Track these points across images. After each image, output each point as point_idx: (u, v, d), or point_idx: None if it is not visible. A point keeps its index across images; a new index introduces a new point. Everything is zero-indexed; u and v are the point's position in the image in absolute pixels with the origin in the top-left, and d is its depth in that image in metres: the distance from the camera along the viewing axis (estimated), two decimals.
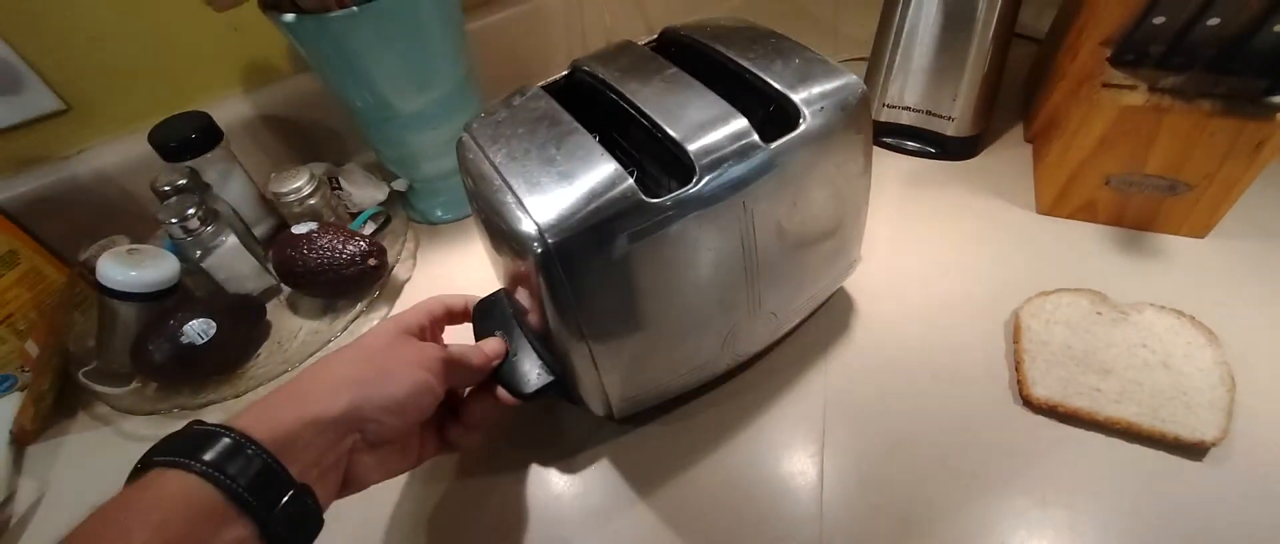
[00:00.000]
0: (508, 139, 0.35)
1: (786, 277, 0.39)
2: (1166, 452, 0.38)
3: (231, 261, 0.53)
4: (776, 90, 0.35)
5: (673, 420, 0.43)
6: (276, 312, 0.56)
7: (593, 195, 0.31)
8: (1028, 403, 0.40)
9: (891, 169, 0.59)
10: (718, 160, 0.32)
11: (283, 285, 0.56)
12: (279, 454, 0.27)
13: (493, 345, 0.39)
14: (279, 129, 0.65)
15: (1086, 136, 0.47)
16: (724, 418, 0.43)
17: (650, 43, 0.43)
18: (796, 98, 0.35)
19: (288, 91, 0.65)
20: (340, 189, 0.60)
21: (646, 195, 0.31)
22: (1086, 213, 0.51)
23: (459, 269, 0.58)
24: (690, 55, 0.40)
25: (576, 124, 0.35)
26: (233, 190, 0.58)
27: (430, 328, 0.39)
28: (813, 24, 0.84)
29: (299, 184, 0.55)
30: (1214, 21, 0.39)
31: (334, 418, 0.29)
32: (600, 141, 0.34)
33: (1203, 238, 0.49)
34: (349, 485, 0.31)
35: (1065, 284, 0.46)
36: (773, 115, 0.35)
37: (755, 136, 0.33)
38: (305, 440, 0.28)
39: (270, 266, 0.54)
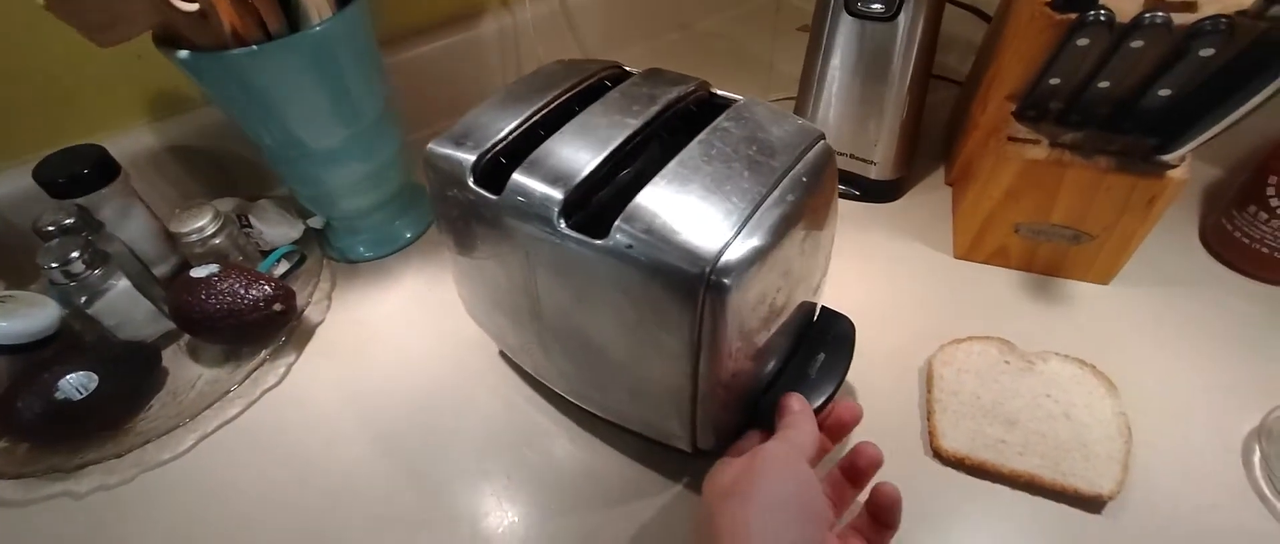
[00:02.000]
0: None
1: (583, 360, 0.38)
2: (1068, 505, 0.38)
3: (122, 307, 0.50)
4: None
5: None
6: (175, 358, 0.53)
7: None
8: (938, 455, 0.41)
9: None
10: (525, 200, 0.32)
11: (191, 335, 0.53)
12: None
13: (785, 401, 0.36)
14: (189, 161, 0.62)
15: (995, 186, 0.48)
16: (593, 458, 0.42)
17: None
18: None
19: (198, 122, 0.62)
20: (250, 227, 0.57)
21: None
22: (999, 258, 0.52)
23: (379, 310, 0.55)
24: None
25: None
26: (131, 228, 0.54)
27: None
28: (749, 61, 0.85)
29: (201, 223, 0.52)
30: (1104, 84, 0.41)
31: None
32: None
33: (1107, 284, 0.50)
34: None
35: (977, 330, 0.46)
36: None
37: (559, 223, 0.31)
38: None
39: (163, 308, 0.51)
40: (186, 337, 0.54)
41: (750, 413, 0.38)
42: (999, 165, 0.47)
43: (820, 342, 0.40)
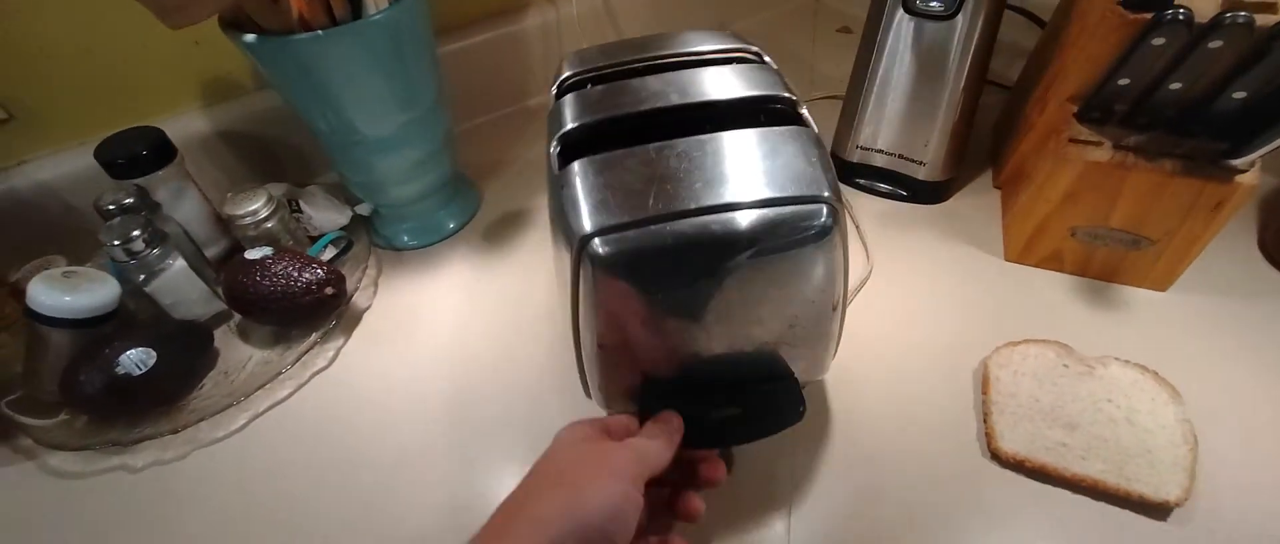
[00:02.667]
0: None
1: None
2: (1131, 511, 0.37)
3: (178, 286, 0.51)
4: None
5: None
6: (225, 339, 0.53)
7: None
8: (996, 457, 0.40)
9: (863, 210, 0.59)
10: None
11: (244, 317, 0.53)
12: None
13: (667, 416, 0.36)
14: (239, 146, 0.63)
15: (1053, 189, 0.47)
16: None
17: None
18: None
19: (250, 108, 0.62)
20: (300, 212, 0.58)
21: None
22: (1053, 262, 0.52)
23: (425, 299, 0.56)
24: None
25: None
26: (185, 210, 0.55)
27: (621, 434, 0.35)
28: (790, 60, 0.85)
29: (255, 207, 0.53)
30: (1176, 86, 0.40)
31: None
32: None
33: (1164, 292, 0.50)
34: None
35: (1032, 334, 0.46)
36: None
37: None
38: None
39: (220, 292, 0.52)
40: (236, 318, 0.54)
41: (638, 398, 0.38)
42: (1058, 168, 0.46)
43: (756, 404, 0.38)
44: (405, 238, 0.61)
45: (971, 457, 0.41)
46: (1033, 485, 0.39)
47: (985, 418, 0.42)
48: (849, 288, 0.48)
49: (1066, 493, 0.38)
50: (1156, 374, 0.42)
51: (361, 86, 0.48)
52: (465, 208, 0.63)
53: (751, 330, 0.35)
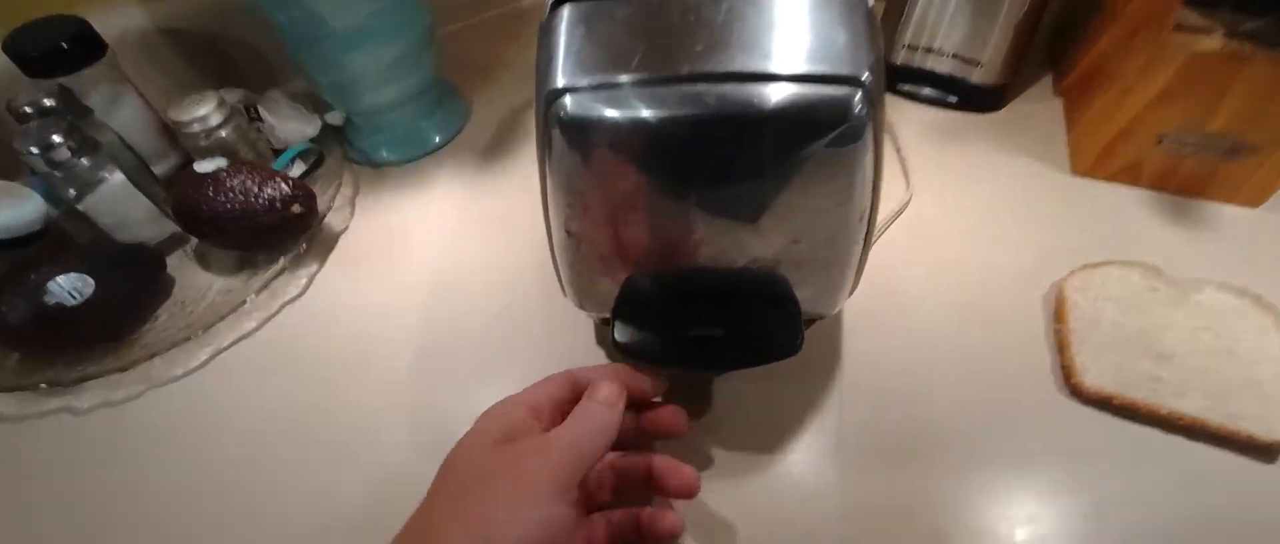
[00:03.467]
0: None
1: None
2: (1236, 452, 0.33)
3: (117, 203, 0.43)
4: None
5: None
6: (182, 265, 0.46)
7: None
8: (1076, 393, 0.35)
9: (909, 119, 0.52)
10: None
11: (199, 239, 0.46)
12: None
13: (610, 372, 0.30)
14: (187, 47, 0.54)
15: (1145, 87, 0.40)
16: (723, 394, 0.36)
17: None
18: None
19: (199, 1, 0.53)
20: (260, 121, 0.50)
21: None
22: (1129, 175, 0.45)
23: (409, 219, 0.49)
24: None
25: None
26: (123, 117, 0.47)
27: (551, 412, 0.29)
28: None
29: (204, 112, 0.45)
30: None
31: None
32: None
33: (1257, 208, 0.44)
34: None
35: (1109, 255, 0.40)
36: None
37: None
38: None
39: (170, 212, 0.44)
40: (194, 242, 0.47)
41: (613, 306, 0.32)
42: (1155, 62, 0.39)
43: (745, 328, 0.32)
44: (384, 152, 0.53)
45: (1048, 394, 0.35)
46: (1120, 425, 0.34)
47: (1062, 350, 0.36)
48: (881, 215, 0.41)
49: (1158, 433, 0.33)
50: (1259, 298, 0.37)
51: None
52: (451, 119, 0.55)
53: (744, 240, 0.29)
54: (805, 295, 0.32)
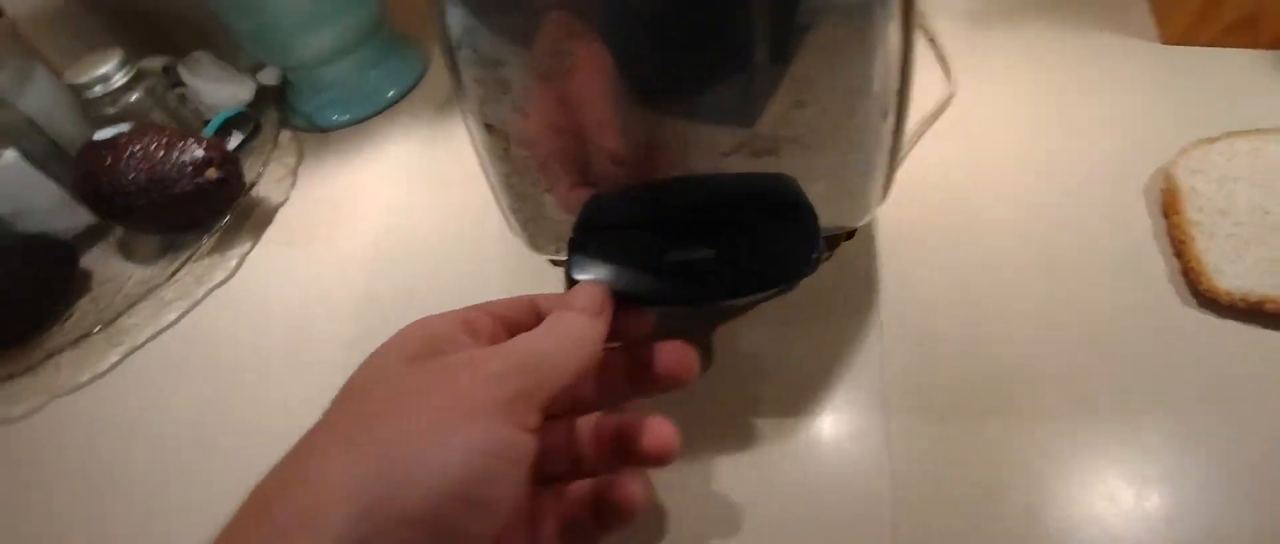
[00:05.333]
0: None
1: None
2: None
3: (15, 188, 0.38)
4: None
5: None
6: (103, 260, 0.41)
7: None
8: (1210, 302, 0.25)
9: (943, 6, 0.42)
10: None
11: (111, 223, 0.40)
12: None
13: (586, 291, 0.21)
14: (104, 13, 0.49)
15: None
16: (727, 348, 0.28)
17: None
18: None
19: None
20: (182, 86, 0.44)
21: None
22: (1240, 35, 0.35)
23: (359, 186, 0.42)
24: None
25: None
26: (34, 98, 0.42)
27: (493, 331, 0.21)
28: None
29: (105, 70, 0.39)
30: None
31: None
32: None
33: None
34: None
35: (1230, 128, 0.30)
36: None
37: None
38: None
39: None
40: (118, 232, 0.41)
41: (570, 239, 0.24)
42: None
43: (743, 245, 0.24)
44: (332, 113, 0.46)
45: (1168, 309, 0.26)
46: (1270, 336, 0.24)
47: (1181, 249, 0.27)
48: (918, 115, 0.35)
49: None
50: None
51: None
52: (407, 69, 0.48)
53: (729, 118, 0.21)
54: (820, 196, 0.24)
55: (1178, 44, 0.36)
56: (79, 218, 0.40)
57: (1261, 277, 0.25)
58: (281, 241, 0.40)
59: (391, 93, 0.47)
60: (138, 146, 0.36)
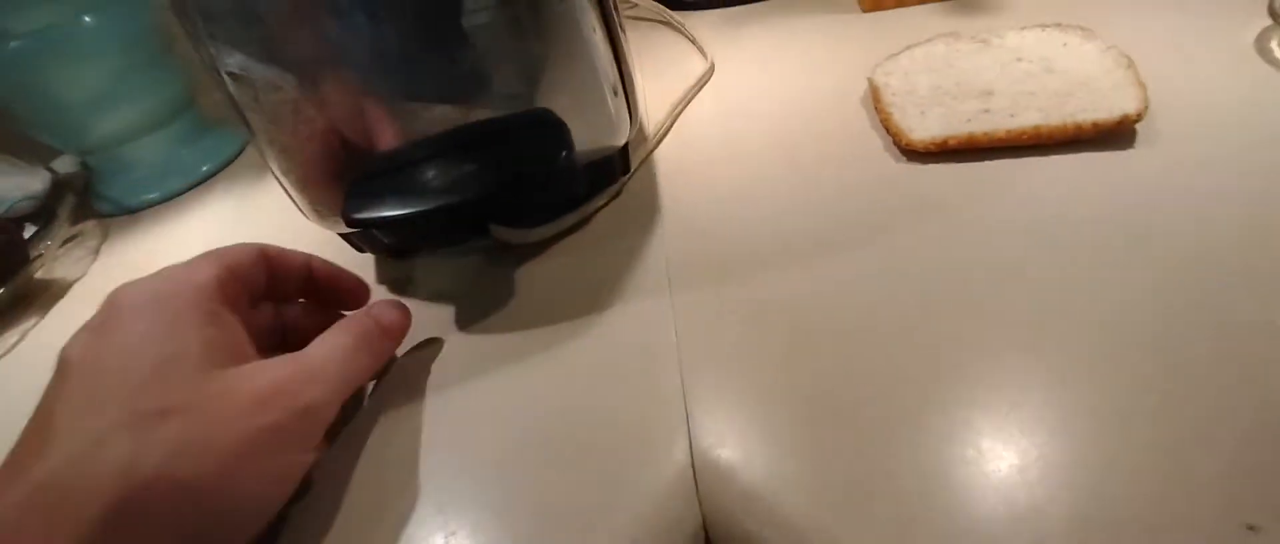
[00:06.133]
0: None
1: None
2: (1090, 150, 0.28)
3: None
4: None
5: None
6: None
7: None
8: (910, 153, 0.30)
9: (703, 19, 0.50)
10: None
11: None
12: None
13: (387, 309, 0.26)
14: None
15: None
16: (530, 279, 0.29)
17: None
18: None
19: None
20: None
21: None
22: None
23: (167, 247, 0.41)
24: None
25: None
26: None
27: (233, 289, 0.23)
28: None
29: None
30: None
31: None
32: None
33: None
34: None
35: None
36: None
37: None
38: None
39: None
40: None
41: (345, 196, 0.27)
42: None
43: (494, 154, 0.26)
44: (143, 193, 0.45)
45: (884, 168, 0.31)
46: (966, 167, 0.29)
47: (886, 125, 0.32)
48: (684, 85, 0.41)
49: (1008, 162, 0.29)
50: (1058, 24, 0.35)
51: None
52: (223, 144, 0.49)
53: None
54: (573, 125, 0.27)
55: (872, 10, 0.45)
56: None
57: (942, 126, 0.30)
58: (73, 317, 0.37)
59: (206, 167, 0.47)
60: None
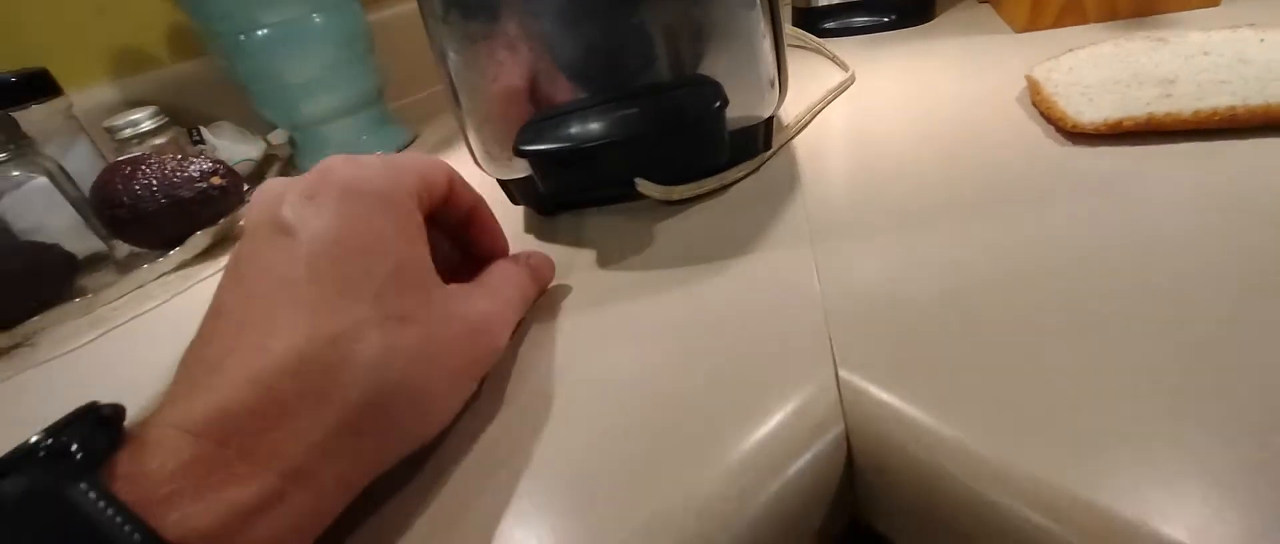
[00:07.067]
0: None
1: None
2: None
3: (38, 206, 0.42)
4: None
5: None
6: (100, 279, 0.43)
7: None
8: (1078, 136, 0.29)
9: (844, 43, 0.51)
10: None
11: (114, 244, 0.44)
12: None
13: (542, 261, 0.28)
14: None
15: None
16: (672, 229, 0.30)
17: None
18: None
19: (163, 80, 0.58)
20: (202, 142, 0.51)
21: None
22: (1073, 15, 0.43)
23: None
24: None
25: None
26: (74, 160, 0.48)
27: (424, 202, 0.23)
28: None
29: (138, 116, 0.46)
30: None
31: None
32: None
33: (1218, 5, 0.41)
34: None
35: None
36: None
37: None
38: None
39: (94, 221, 0.43)
40: (122, 254, 0.45)
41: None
42: None
43: (664, 107, 0.28)
44: None
45: (1044, 152, 0.29)
46: (1144, 150, 0.27)
47: (1048, 113, 0.31)
48: (822, 90, 0.42)
49: (1198, 144, 0.27)
50: (1251, 25, 0.32)
51: None
52: (394, 138, 0.56)
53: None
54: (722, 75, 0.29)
55: (1027, 31, 0.44)
56: (88, 243, 0.44)
57: (1114, 108, 0.29)
58: None
59: (381, 152, 0.54)
60: (154, 161, 0.41)
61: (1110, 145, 0.28)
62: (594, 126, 0.28)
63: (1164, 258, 0.21)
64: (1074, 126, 0.29)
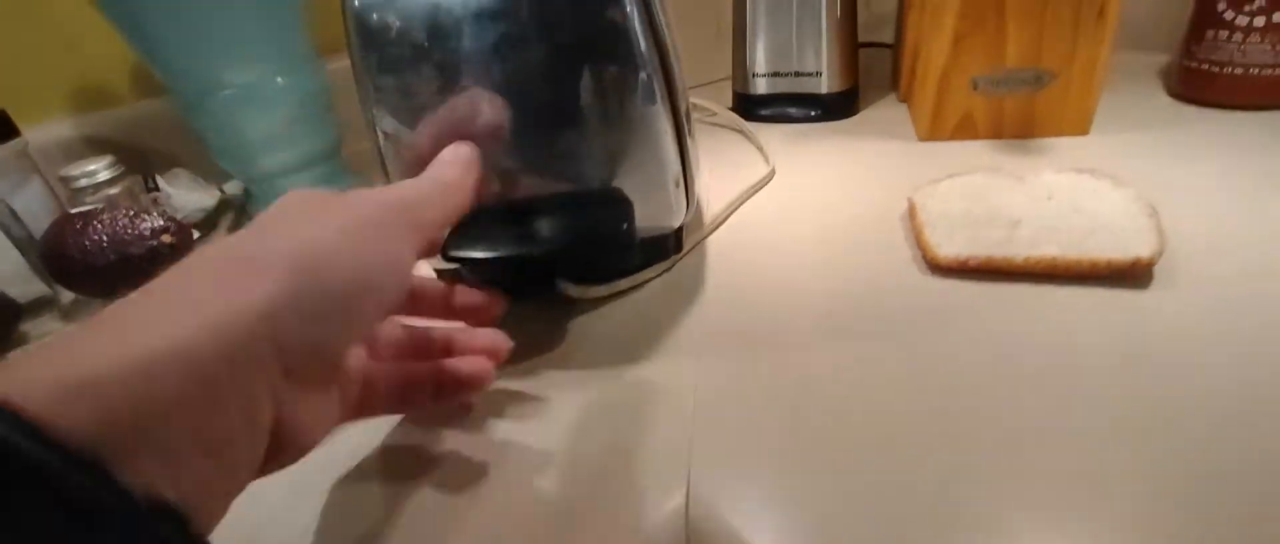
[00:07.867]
0: None
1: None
2: (1101, 286, 0.31)
3: None
4: None
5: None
6: (44, 325, 0.45)
7: None
8: (935, 268, 0.34)
9: (771, 132, 0.56)
10: None
11: (59, 288, 0.46)
12: (110, 439, 0.14)
13: (455, 150, 0.29)
14: (107, 153, 0.59)
15: (941, 39, 0.46)
16: (578, 329, 0.34)
17: None
18: None
19: (124, 118, 0.59)
20: (157, 190, 0.52)
21: None
22: (967, 129, 0.48)
23: None
24: None
25: None
26: (25, 199, 0.49)
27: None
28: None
29: (94, 167, 0.47)
30: None
31: (248, 325, 0.17)
32: None
33: (1087, 134, 0.46)
34: (269, 459, 0.19)
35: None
36: None
37: None
38: (168, 393, 0.15)
39: (39, 263, 0.44)
40: (66, 300, 0.46)
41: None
42: (940, 11, 0.45)
43: (579, 219, 0.32)
44: None
45: (909, 277, 0.34)
46: (984, 287, 0.32)
47: (918, 239, 0.36)
48: (743, 185, 0.46)
49: (1025, 286, 0.32)
50: (1094, 171, 0.38)
51: (199, 21, 0.45)
52: (357, 187, 0.58)
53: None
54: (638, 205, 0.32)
55: (928, 140, 0.50)
56: (33, 287, 0.46)
57: (967, 247, 0.33)
58: None
59: None
60: (106, 216, 0.43)
61: (960, 279, 0.33)
62: (515, 237, 0.31)
63: (989, 390, 0.26)
64: (932, 260, 0.34)
